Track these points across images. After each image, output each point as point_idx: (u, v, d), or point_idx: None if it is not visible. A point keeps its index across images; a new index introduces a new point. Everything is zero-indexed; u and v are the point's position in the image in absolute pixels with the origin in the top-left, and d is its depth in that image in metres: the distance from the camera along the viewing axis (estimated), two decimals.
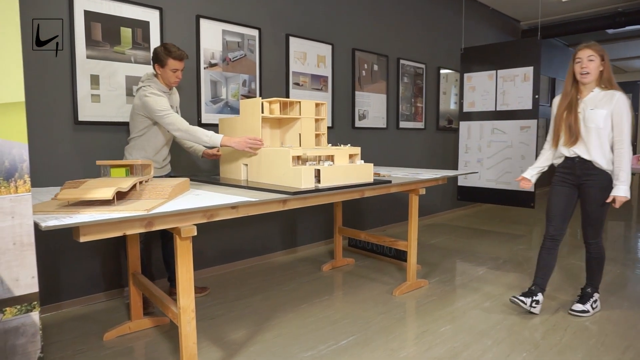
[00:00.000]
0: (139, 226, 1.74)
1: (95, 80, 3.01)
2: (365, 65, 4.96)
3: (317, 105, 2.93)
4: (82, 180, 1.99)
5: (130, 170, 2.15)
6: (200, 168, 3.66)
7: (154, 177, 2.84)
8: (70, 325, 2.76)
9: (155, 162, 2.87)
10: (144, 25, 3.21)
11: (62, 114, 2.91)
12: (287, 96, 4.20)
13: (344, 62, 4.74)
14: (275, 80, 4.10)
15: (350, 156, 2.68)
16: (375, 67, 5.08)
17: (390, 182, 2.78)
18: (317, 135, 2.93)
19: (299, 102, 2.78)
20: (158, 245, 3.28)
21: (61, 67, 2.88)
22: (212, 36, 3.61)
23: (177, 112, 2.98)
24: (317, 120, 2.92)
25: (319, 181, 2.38)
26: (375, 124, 5.15)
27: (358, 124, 4.93)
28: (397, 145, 5.52)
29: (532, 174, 3.01)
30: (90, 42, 2.97)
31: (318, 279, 3.64)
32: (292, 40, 4.19)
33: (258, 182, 2.60)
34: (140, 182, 2.04)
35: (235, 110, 3.80)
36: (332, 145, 2.91)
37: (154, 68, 2.78)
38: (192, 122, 3.42)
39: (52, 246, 2.89)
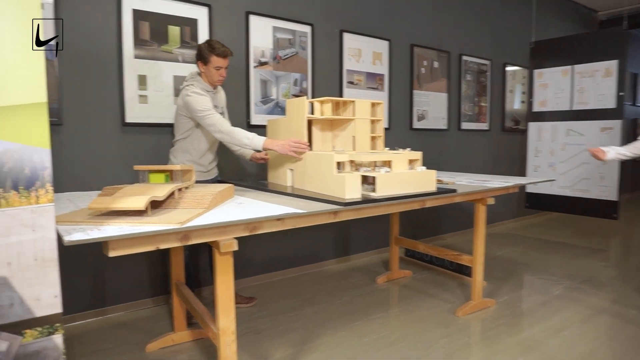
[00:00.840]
0: (174, 240, 1.57)
1: (142, 80, 2.92)
2: (425, 62, 4.62)
3: (373, 105, 2.66)
4: (120, 186, 1.86)
5: (170, 175, 2.00)
6: (248, 172, 3.50)
7: (199, 181, 2.71)
8: (114, 332, 2.68)
9: (200, 165, 2.73)
10: (192, 23, 3.09)
11: (110, 115, 2.84)
12: (341, 95, 3.96)
13: (402, 59, 4.43)
14: (328, 79, 3.88)
15: (410, 161, 2.40)
16: (436, 64, 4.72)
17: (454, 191, 2.46)
18: (372, 138, 2.67)
19: (353, 101, 2.53)
20: (206, 249, 3.16)
21: (109, 68, 2.81)
22: (262, 33, 3.44)
23: (222, 112, 2.83)
24: (373, 122, 2.66)
25: (373, 190, 2.12)
26: (435, 124, 4.79)
27: (416, 125, 4.60)
28: (458, 148, 5.12)
29: (613, 152, 2.69)
30: (138, 41, 2.89)
31: (372, 292, 3.37)
32: (347, 37, 3.95)
33: (303, 190, 2.37)
34: (180, 189, 1.88)
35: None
36: (389, 149, 2.64)
37: (198, 66, 2.64)
38: (240, 124, 3.27)
39: (98, 249, 2.82)
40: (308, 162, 2.36)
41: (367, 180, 2.16)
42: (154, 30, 2.94)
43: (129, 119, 2.88)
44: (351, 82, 4.02)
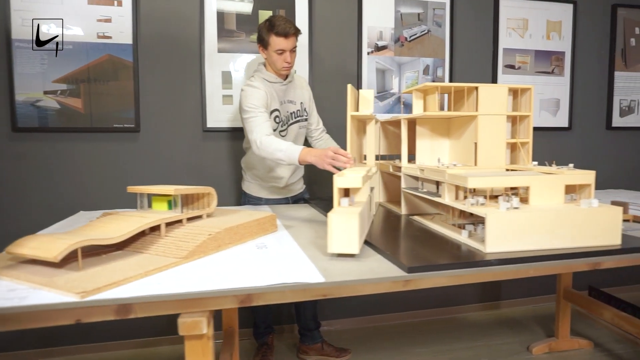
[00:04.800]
0: (70, 318, 0.98)
1: (227, 78, 2.49)
2: (637, 30, 3.14)
3: (514, 92, 1.67)
4: (120, 212, 1.40)
5: (185, 200, 1.46)
6: None
7: (273, 200, 2.15)
8: None
9: (271, 181, 2.15)
10: (289, 4, 2.53)
11: (188, 119, 2.49)
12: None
13: (595, 28, 3.08)
14: (475, 63, 2.88)
15: (570, 188, 1.37)
16: None
17: None
18: (513, 147, 1.68)
19: (476, 87, 1.60)
20: None
21: (189, 64, 2.46)
22: (381, 8, 2.68)
23: (302, 112, 2.19)
24: (514, 120, 1.67)
25: (482, 239, 1.20)
26: None
27: (618, 122, 3.17)
28: None
29: None
30: (222, 32, 2.47)
31: None
32: (504, 4, 2.87)
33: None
34: (174, 223, 1.32)
35: (411, 108, 2.78)
36: (537, 164, 1.61)
37: (260, 52, 2.06)
38: (344, 128, 2.58)
39: None
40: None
41: (472, 219, 1.25)
42: (241, 17, 2.48)
43: (211, 123, 2.49)
44: (511, 66, 2.92)
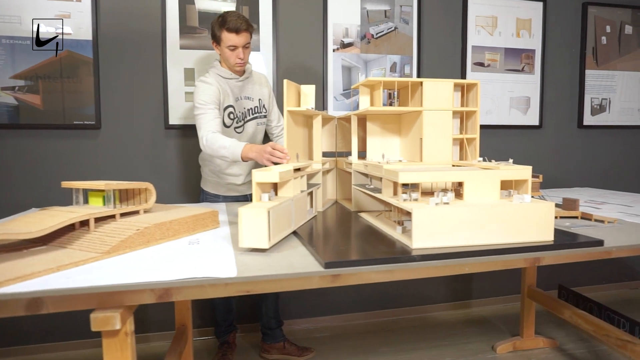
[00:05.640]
0: None
1: (189, 74, 2.47)
2: (608, 28, 3.13)
3: (461, 87, 1.66)
4: (49, 208, 1.38)
5: (122, 196, 1.44)
6: None
7: (230, 198, 2.13)
8: None
9: (229, 178, 2.13)
10: (252, 1, 2.52)
11: (151, 116, 2.47)
12: None
13: (567, 26, 3.07)
14: (443, 61, 2.87)
15: (506, 184, 1.35)
16: (629, 29, 3.18)
17: (601, 243, 1.29)
18: (460, 143, 1.67)
19: (420, 82, 1.58)
20: None
21: (151, 61, 2.44)
22: (346, 6, 2.67)
23: (260, 109, 2.17)
24: (461, 116, 1.66)
25: (410, 235, 1.18)
26: (623, 119, 3.24)
27: (590, 120, 3.16)
28: None
29: None
30: (184, 28, 2.45)
31: None
32: (473, 1, 2.86)
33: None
34: (126, 214, 1.30)
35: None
36: (484, 161, 1.60)
37: (214, 48, 2.04)
38: None
39: None
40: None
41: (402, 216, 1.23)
42: (204, 14, 2.46)
43: (173, 120, 2.47)
44: (480, 64, 2.91)
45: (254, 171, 1.21)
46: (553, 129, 3.10)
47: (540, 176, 1.83)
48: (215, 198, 2.18)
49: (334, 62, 2.67)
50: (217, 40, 1.97)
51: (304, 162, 1.58)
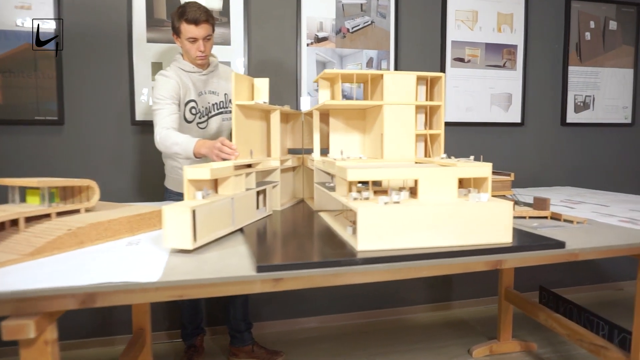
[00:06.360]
0: None
1: (157, 69, 2.39)
2: (592, 24, 3.06)
3: (425, 80, 1.58)
4: None
5: (63, 194, 1.36)
6: None
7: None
8: None
9: None
10: None
11: (117, 111, 2.39)
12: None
13: (549, 21, 3.00)
14: (422, 56, 2.79)
15: (465, 182, 1.28)
16: (613, 25, 3.11)
17: (562, 245, 1.22)
18: (424, 139, 1.59)
19: (381, 75, 1.50)
20: None
21: (117, 55, 2.36)
22: None
23: (226, 104, 2.09)
24: (426, 110, 1.58)
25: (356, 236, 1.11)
26: (607, 117, 3.17)
27: (573, 117, 3.10)
28: None
29: None
30: (151, 21, 2.36)
31: None
32: None
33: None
34: (64, 213, 1.22)
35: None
36: (448, 158, 1.52)
37: (175, 40, 1.96)
38: None
39: None
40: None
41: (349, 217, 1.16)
42: (172, 6, 2.38)
43: (140, 115, 2.39)
44: (460, 59, 2.84)
45: (185, 167, 1.13)
46: (535, 127, 3.03)
47: (512, 174, 1.76)
48: (178, 197, 2.10)
49: (308, 57, 2.59)
50: (176, 32, 1.89)
51: (256, 159, 1.50)
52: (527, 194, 2.22)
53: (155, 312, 2.49)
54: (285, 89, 2.59)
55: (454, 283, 2.97)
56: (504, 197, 1.78)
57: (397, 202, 1.14)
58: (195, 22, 1.81)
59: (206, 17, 1.84)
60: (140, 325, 1.89)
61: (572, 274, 3.18)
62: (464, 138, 2.88)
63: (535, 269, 3.04)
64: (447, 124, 2.83)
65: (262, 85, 1.57)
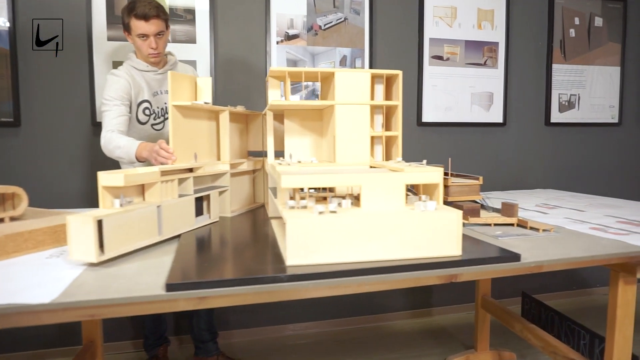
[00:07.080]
0: None
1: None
2: (577, 20, 2.96)
3: (380, 79, 1.48)
4: None
5: None
6: None
7: None
8: None
9: None
10: None
11: (76, 113, 2.29)
12: (420, 77, 2.71)
13: (532, 18, 2.90)
14: (398, 54, 2.69)
15: (414, 189, 1.18)
16: (598, 22, 3.00)
17: (517, 257, 1.12)
18: (384, 142, 1.49)
19: (332, 73, 1.41)
20: None
21: (76, 54, 2.26)
22: None
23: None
24: (383, 111, 1.48)
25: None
26: (594, 116, 3.07)
27: (557, 117, 2.99)
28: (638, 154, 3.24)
29: None
30: (112, 18, 2.27)
31: None
32: None
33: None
34: None
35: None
36: (402, 162, 1.42)
37: (127, 37, 1.86)
38: None
39: None
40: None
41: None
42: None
43: (101, 117, 2.29)
44: (439, 57, 2.73)
45: (99, 173, 1.03)
46: (518, 127, 2.93)
47: (480, 178, 1.66)
48: None
49: (278, 56, 2.49)
50: (127, 28, 1.79)
51: (199, 163, 1.40)
52: (501, 198, 2.12)
53: (120, 321, 2.39)
54: (254, 89, 2.49)
55: (434, 289, 2.87)
56: (473, 202, 1.68)
57: (334, 212, 1.05)
58: (145, 18, 1.72)
59: (157, 12, 1.74)
60: (90, 338, 1.80)
61: (555, 279, 3.08)
62: (444, 139, 2.78)
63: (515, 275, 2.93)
64: (425, 124, 2.73)
65: (205, 84, 1.47)
